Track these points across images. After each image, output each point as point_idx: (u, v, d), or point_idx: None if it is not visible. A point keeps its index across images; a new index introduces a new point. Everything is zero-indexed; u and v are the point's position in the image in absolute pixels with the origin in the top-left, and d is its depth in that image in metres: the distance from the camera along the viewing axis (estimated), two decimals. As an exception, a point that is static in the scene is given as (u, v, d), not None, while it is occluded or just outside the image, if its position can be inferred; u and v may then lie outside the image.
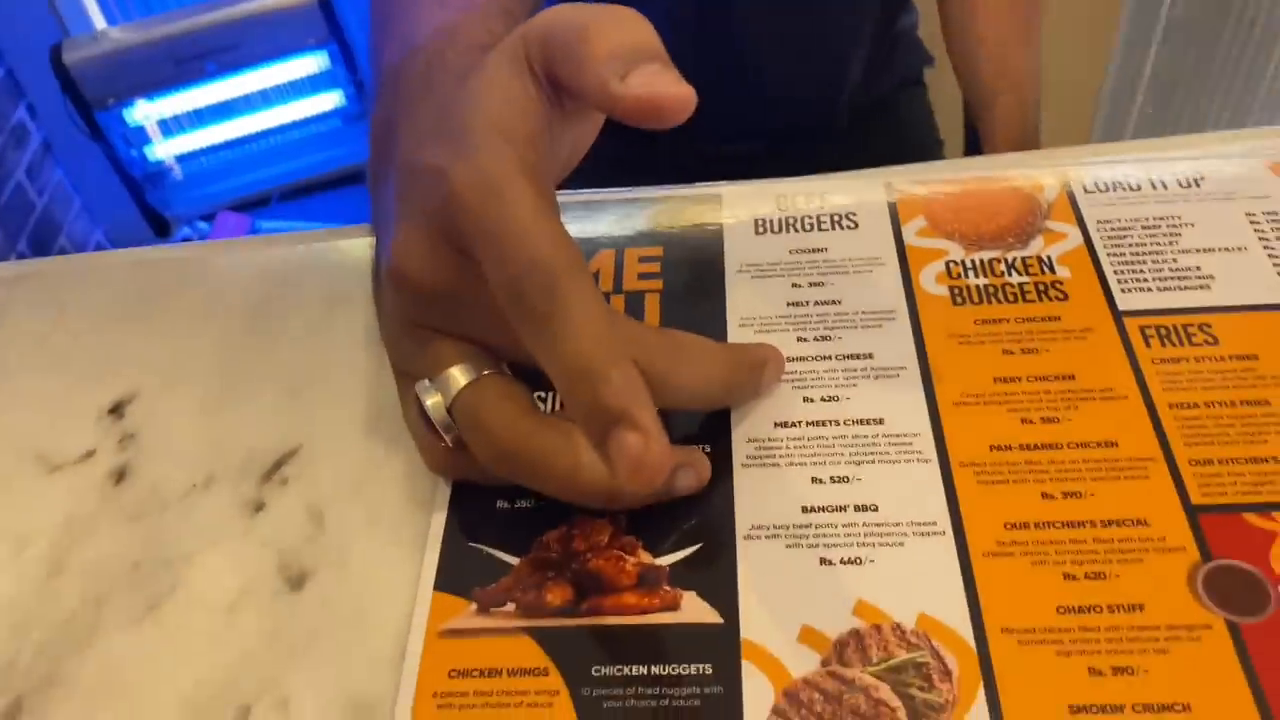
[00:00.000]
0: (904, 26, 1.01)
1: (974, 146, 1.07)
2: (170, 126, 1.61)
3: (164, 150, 1.63)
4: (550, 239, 0.28)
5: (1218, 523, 0.32)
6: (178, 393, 0.41)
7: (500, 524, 0.34)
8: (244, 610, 0.34)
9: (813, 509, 0.34)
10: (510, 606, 0.32)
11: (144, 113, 1.56)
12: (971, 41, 1.00)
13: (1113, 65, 1.69)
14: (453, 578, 0.33)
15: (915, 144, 1.05)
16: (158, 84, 1.53)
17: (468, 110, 0.31)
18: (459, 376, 0.33)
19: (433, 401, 0.33)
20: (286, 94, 1.59)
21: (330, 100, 1.61)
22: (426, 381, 0.33)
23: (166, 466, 0.38)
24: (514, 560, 0.33)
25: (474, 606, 0.33)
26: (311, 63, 1.55)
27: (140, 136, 1.60)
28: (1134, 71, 1.66)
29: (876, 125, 1.00)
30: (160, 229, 1.68)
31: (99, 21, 1.64)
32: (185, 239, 1.66)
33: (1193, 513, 0.32)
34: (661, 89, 0.29)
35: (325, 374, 0.41)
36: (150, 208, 1.65)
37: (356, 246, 0.46)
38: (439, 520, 0.35)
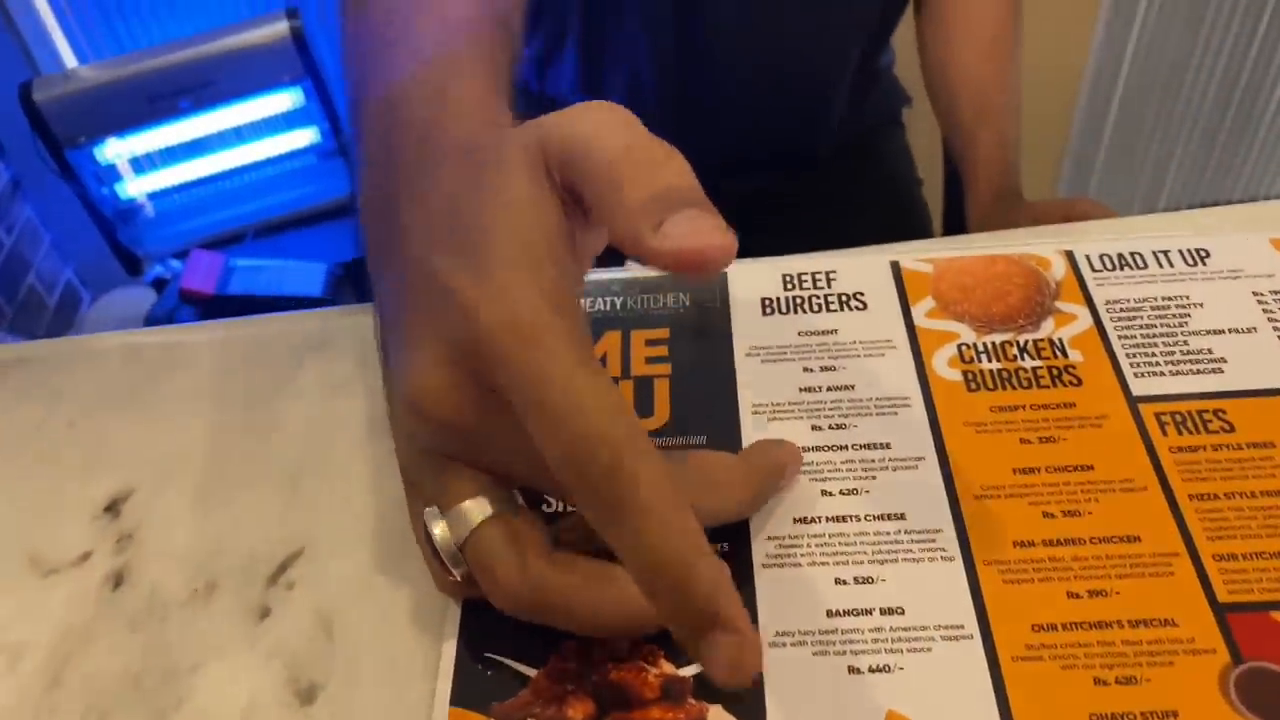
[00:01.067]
0: (882, 66, 1.02)
1: (954, 184, 1.07)
2: (142, 164, 1.59)
3: (136, 188, 1.61)
4: (603, 404, 0.26)
5: (1246, 622, 0.32)
6: (174, 488, 0.40)
7: (516, 632, 0.33)
8: (254, 726, 0.33)
9: (838, 613, 0.33)
10: (531, 722, 0.31)
11: (115, 150, 1.54)
12: (951, 82, 1.01)
13: (1081, 100, 1.71)
14: (469, 692, 0.32)
15: (894, 183, 1.05)
16: (129, 122, 1.51)
17: (487, 221, 0.29)
18: (473, 513, 0.30)
19: (441, 535, 0.31)
20: (260, 131, 1.58)
21: (304, 137, 1.59)
22: (436, 510, 0.31)
23: (166, 569, 0.37)
24: (531, 672, 0.33)
25: (493, 722, 0.32)
26: (285, 99, 1.53)
27: (112, 174, 1.58)
28: (1101, 106, 1.68)
29: (856, 165, 1.00)
30: (132, 267, 1.65)
31: (70, 60, 1.62)
32: (158, 277, 1.64)
33: (1220, 611, 0.32)
34: (702, 240, 0.26)
35: (327, 466, 0.40)
36: (122, 246, 1.62)
37: (357, 327, 0.45)
38: (452, 630, 0.34)
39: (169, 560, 0.37)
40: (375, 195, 0.36)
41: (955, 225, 1.06)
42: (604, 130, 0.29)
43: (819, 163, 0.98)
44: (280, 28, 1.45)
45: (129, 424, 0.42)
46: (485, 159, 0.31)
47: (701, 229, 0.27)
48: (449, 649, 0.33)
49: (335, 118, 1.57)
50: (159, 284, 1.66)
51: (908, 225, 1.04)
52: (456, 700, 0.32)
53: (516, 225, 0.29)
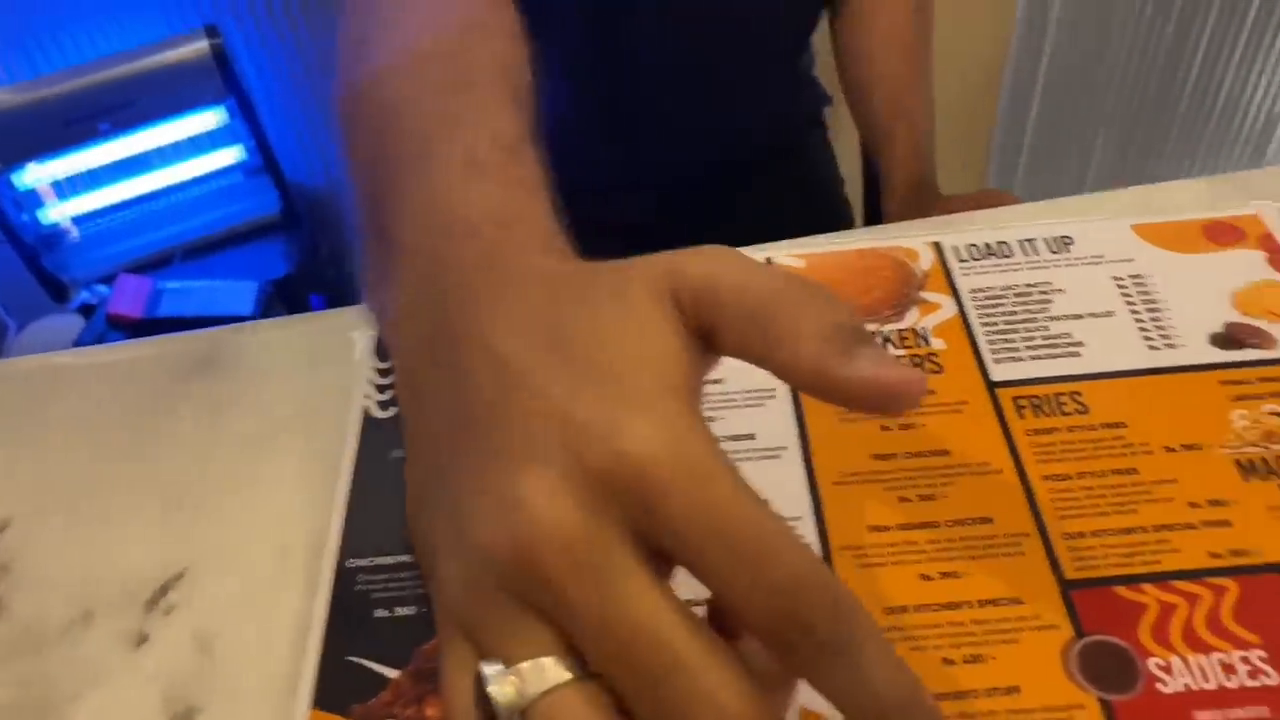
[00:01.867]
0: (802, 67, 1.03)
1: (874, 182, 1.09)
2: (65, 188, 1.57)
3: (59, 213, 1.58)
4: (795, 541, 0.23)
5: (1090, 598, 0.33)
6: (52, 516, 0.39)
7: (380, 635, 0.34)
8: (126, 750, 0.33)
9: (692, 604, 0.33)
10: (390, 723, 0.32)
11: (35, 175, 1.52)
12: (866, 82, 1.03)
13: (1004, 94, 1.73)
14: (332, 694, 0.32)
15: (817, 183, 1.07)
16: (49, 146, 1.49)
17: (629, 350, 0.26)
18: (552, 673, 0.25)
19: (504, 695, 0.25)
20: (184, 151, 1.56)
21: (229, 155, 1.58)
22: (501, 666, 0.25)
23: (43, 599, 0.37)
24: (394, 674, 0.33)
25: (353, 725, 0.32)
26: (209, 118, 1.52)
27: (33, 200, 1.55)
28: (1024, 105, 1.71)
29: (779, 166, 1.02)
30: (58, 294, 1.63)
31: (-16, 84, 1.60)
32: (84, 303, 1.61)
33: (1066, 588, 0.33)
34: (896, 374, 0.25)
35: (208, 487, 0.40)
36: (47, 272, 1.60)
37: (243, 346, 0.45)
38: (316, 635, 0.34)
39: (46, 590, 0.37)
40: (417, 295, 0.32)
41: (876, 222, 1.07)
42: (743, 269, 0.27)
43: (742, 165, 0.99)
44: (200, 46, 1.44)
45: (5, 452, 0.42)
46: (599, 284, 0.28)
47: (892, 362, 0.25)
48: (311, 653, 0.33)
49: (260, 135, 1.55)
50: (86, 310, 1.63)
51: (830, 224, 1.05)
52: (319, 704, 0.32)
53: (663, 356, 0.26)
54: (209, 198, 1.63)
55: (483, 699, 0.25)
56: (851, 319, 0.26)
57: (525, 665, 0.25)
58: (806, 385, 0.26)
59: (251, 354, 0.45)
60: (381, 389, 0.41)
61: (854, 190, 1.11)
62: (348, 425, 0.40)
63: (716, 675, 0.23)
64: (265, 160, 1.60)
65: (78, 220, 1.62)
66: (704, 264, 0.27)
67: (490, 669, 0.25)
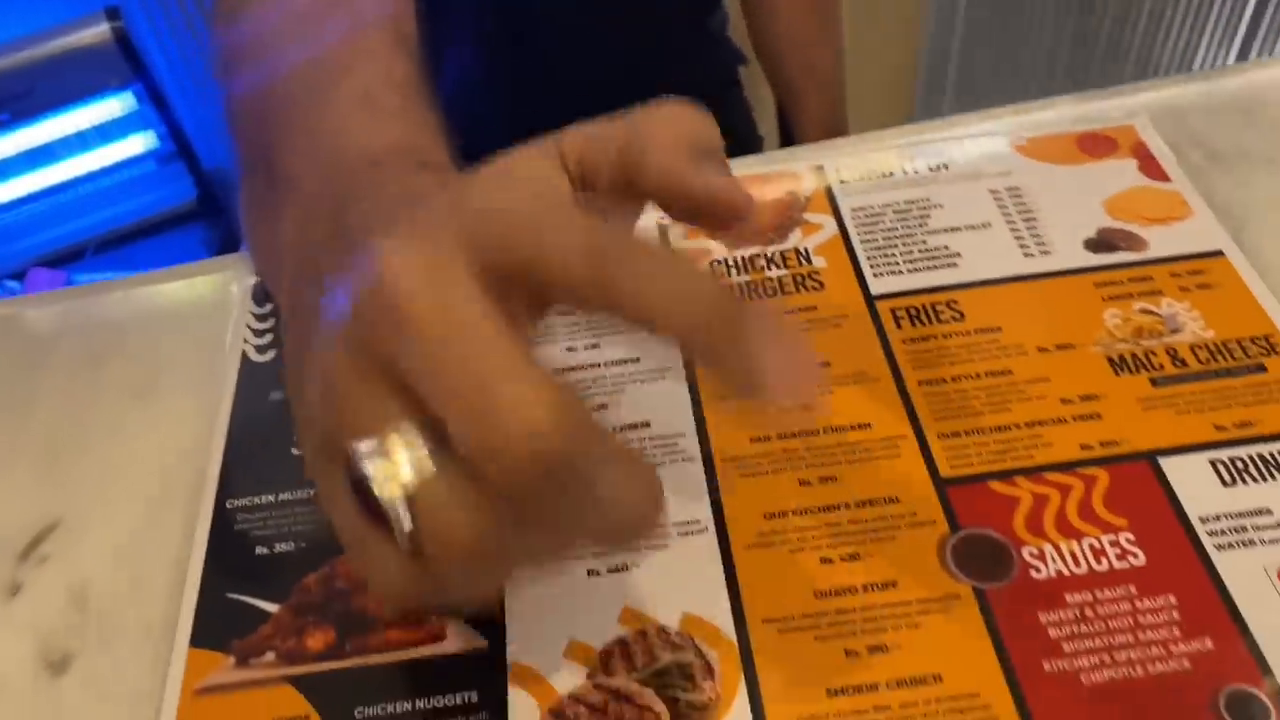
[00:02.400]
0: (714, 28, 1.03)
1: (789, 139, 1.09)
2: (-33, 183, 1.53)
3: (-37, 208, 1.54)
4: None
5: (965, 493, 0.33)
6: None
7: (260, 571, 0.33)
8: (2, 702, 0.32)
9: (577, 521, 0.33)
10: (270, 656, 0.31)
11: (-64, 170, 1.48)
12: (774, 43, 1.03)
13: (923, 50, 1.75)
14: (210, 632, 0.32)
15: (736, 143, 1.07)
16: (-52, 139, 1.45)
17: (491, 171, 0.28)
18: (422, 454, 0.24)
19: (387, 475, 0.24)
20: (92, 140, 1.52)
21: (140, 143, 1.54)
22: (370, 444, 0.24)
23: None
24: (274, 608, 0.32)
25: (232, 660, 0.31)
26: (114, 105, 1.48)
27: (-65, 196, 1.51)
28: (945, 41, 1.72)
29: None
30: (-33, 291, 1.59)
31: (-122, 77, 1.54)
32: (-5, 299, 1.57)
33: (941, 486, 0.33)
34: (737, 192, 0.27)
35: (83, 438, 0.39)
36: (-46, 269, 1.56)
37: (107, 305, 0.44)
38: (194, 574, 0.33)
39: (-93, 542, 0.36)
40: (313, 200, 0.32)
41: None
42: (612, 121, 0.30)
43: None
44: (101, 30, 1.40)
45: None
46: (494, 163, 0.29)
47: (734, 183, 0.28)
48: (189, 593, 0.33)
49: (172, 120, 1.52)
50: (-2, 306, 1.59)
51: (749, 183, 1.05)
52: (197, 641, 0.32)
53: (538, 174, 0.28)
54: (121, 187, 1.59)
55: (364, 503, 0.24)
56: (712, 132, 0.29)
57: (397, 450, 0.24)
58: (660, 194, 0.28)
59: (129, 305, 0.44)
60: (259, 333, 0.40)
61: (773, 149, 1.11)
62: (225, 370, 0.39)
63: (534, 371, 0.23)
64: (178, 147, 1.56)
65: (-16, 215, 1.58)
66: (580, 129, 0.29)
67: (359, 458, 0.24)
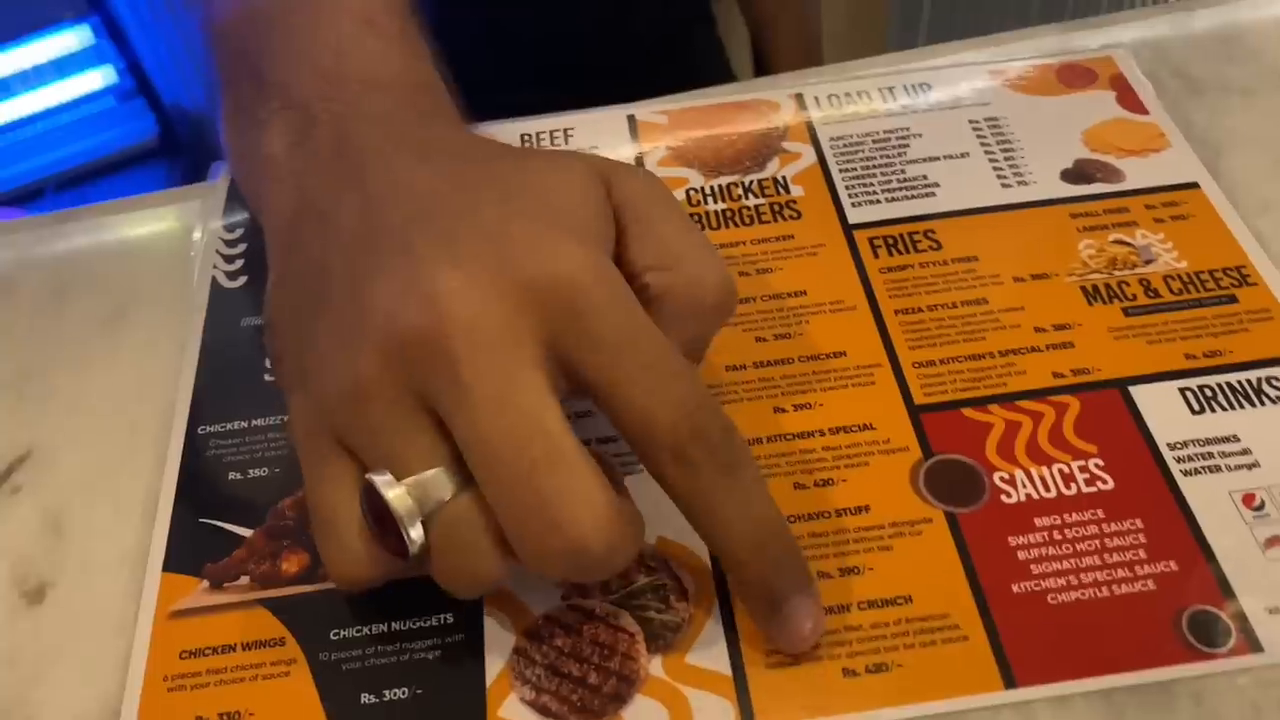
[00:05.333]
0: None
1: (762, 71, 1.08)
2: (-82, 122, 1.49)
3: (-85, 145, 1.50)
4: (696, 370, 0.26)
5: (938, 420, 0.33)
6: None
7: (233, 495, 0.33)
8: (-24, 628, 0.32)
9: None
10: (244, 580, 0.31)
11: (-117, 108, 1.44)
12: None
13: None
14: (183, 557, 0.32)
15: (707, 79, 1.06)
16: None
17: (557, 197, 0.28)
18: (446, 481, 0.25)
19: (404, 504, 0.25)
20: (47, 75, 1.48)
21: (98, 78, 1.50)
22: (388, 475, 0.25)
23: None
24: (248, 533, 0.32)
25: (205, 584, 0.31)
26: (70, 38, 1.44)
27: (-114, 136, 1.47)
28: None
29: (667, 65, 1.00)
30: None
31: None
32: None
33: (915, 413, 0.34)
34: None
35: (53, 371, 0.38)
36: (-88, 207, 1.52)
37: (78, 228, 0.43)
38: (167, 497, 0.33)
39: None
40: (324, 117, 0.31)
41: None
42: (661, 202, 0.29)
43: (627, 65, 0.97)
44: (59, -41, 1.37)
45: None
46: (536, 153, 0.32)
47: None
48: (164, 515, 0.33)
49: (132, 55, 1.48)
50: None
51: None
52: (170, 566, 0.32)
53: (597, 216, 0.28)
54: (80, 124, 1.55)
55: (373, 513, 0.26)
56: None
57: (426, 474, 0.25)
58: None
59: (92, 235, 0.43)
60: (229, 259, 0.39)
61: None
62: (194, 296, 0.38)
63: (593, 479, 0.24)
64: (138, 83, 1.52)
65: (-64, 152, 1.54)
66: (635, 182, 0.29)
67: (381, 478, 0.25)
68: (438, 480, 0.25)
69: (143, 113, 1.52)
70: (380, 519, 0.25)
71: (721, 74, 1.07)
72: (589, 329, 0.25)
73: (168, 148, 1.55)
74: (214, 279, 0.39)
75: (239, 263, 0.39)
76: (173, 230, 0.42)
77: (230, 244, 0.40)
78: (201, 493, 0.33)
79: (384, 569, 0.27)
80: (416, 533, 0.25)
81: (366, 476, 0.25)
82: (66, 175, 1.52)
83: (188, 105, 1.63)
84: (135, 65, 1.49)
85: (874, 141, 0.42)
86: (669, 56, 1.01)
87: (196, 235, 0.40)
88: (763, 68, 1.08)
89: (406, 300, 0.25)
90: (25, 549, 0.33)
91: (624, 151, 0.43)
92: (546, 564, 0.25)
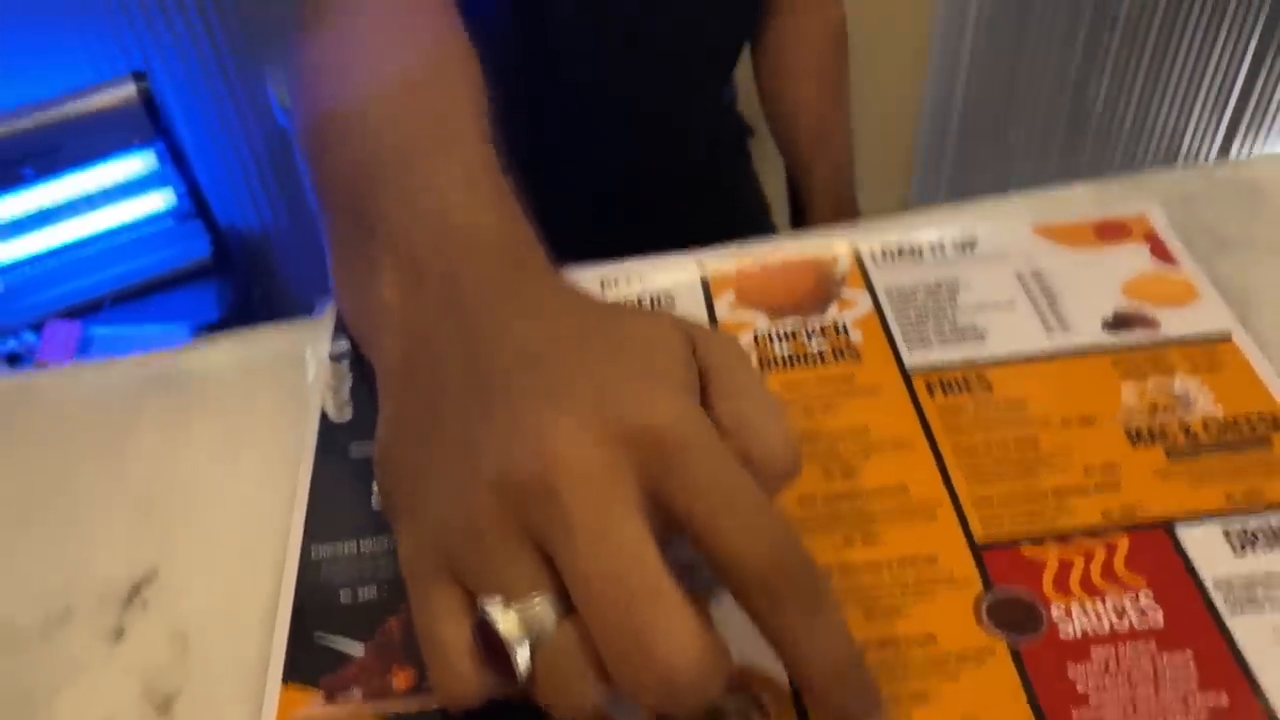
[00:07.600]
0: (725, 101, 1.07)
1: (797, 206, 1.13)
2: (-11, 236, 1.55)
3: (-16, 260, 1.57)
4: (781, 513, 0.28)
5: (998, 556, 0.36)
6: (25, 521, 0.41)
7: (345, 615, 0.36)
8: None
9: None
10: (357, 693, 0.34)
11: (-41, 223, 1.51)
12: (787, 111, 1.07)
13: (925, 115, 1.80)
14: (301, 669, 0.34)
15: (744, 211, 1.10)
16: (-28, 192, 1.48)
17: (651, 349, 0.30)
18: (551, 611, 0.28)
19: (515, 632, 0.27)
20: (113, 196, 1.55)
21: (159, 200, 1.57)
22: (499, 603, 0.28)
23: (19, 601, 0.38)
24: (359, 648, 0.35)
25: (322, 695, 0.34)
26: (137, 163, 1.51)
27: (-43, 248, 1.54)
28: (944, 103, 1.78)
29: (706, 200, 1.05)
30: (-16, 342, 1.61)
31: (-93, 130, 1.58)
32: (12, 352, 1.59)
33: (976, 548, 0.36)
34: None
35: (175, 493, 0.41)
36: (-28, 320, 1.58)
37: (196, 361, 0.47)
38: (284, 617, 0.36)
39: (22, 592, 0.38)
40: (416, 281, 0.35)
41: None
42: (743, 372, 0.32)
43: (665, 198, 1.02)
44: (128, 91, 1.44)
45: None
46: (628, 309, 0.33)
47: None
48: (280, 634, 0.35)
49: (191, 179, 1.56)
50: (13, 359, 1.62)
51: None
52: (289, 678, 0.34)
53: (687, 370, 0.31)
54: (139, 243, 1.62)
55: (483, 639, 0.28)
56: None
57: (534, 603, 0.28)
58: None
59: (209, 367, 0.47)
60: (336, 389, 0.43)
61: (780, 214, 1.15)
62: (305, 428, 0.42)
63: (687, 614, 0.27)
64: (196, 204, 1.60)
65: (2, 268, 1.60)
66: (717, 345, 0.32)
67: (493, 606, 0.28)
68: (544, 609, 0.28)
69: (198, 233, 1.59)
70: (489, 643, 0.28)
71: (757, 207, 1.12)
72: (685, 475, 0.28)
73: (220, 266, 1.61)
74: (322, 410, 0.42)
75: (345, 393, 0.43)
76: (284, 359, 0.45)
77: (337, 375, 0.43)
78: (316, 611, 0.36)
79: (490, 689, 0.29)
80: (524, 657, 0.28)
81: (480, 604, 0.28)
82: (123, 291, 1.58)
83: (241, 226, 1.70)
84: (194, 188, 1.56)
85: (925, 291, 0.46)
86: (708, 190, 1.06)
87: (310, 366, 0.44)
88: (797, 200, 1.13)
89: (518, 443, 0.28)
90: (153, 662, 0.36)
91: (695, 296, 0.46)
92: (641, 692, 0.27)
